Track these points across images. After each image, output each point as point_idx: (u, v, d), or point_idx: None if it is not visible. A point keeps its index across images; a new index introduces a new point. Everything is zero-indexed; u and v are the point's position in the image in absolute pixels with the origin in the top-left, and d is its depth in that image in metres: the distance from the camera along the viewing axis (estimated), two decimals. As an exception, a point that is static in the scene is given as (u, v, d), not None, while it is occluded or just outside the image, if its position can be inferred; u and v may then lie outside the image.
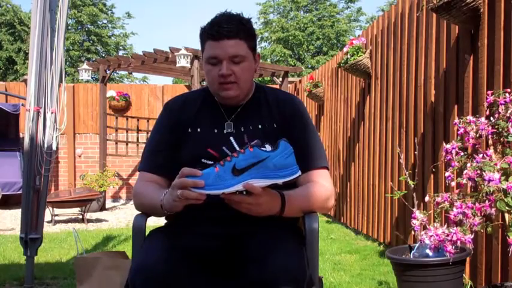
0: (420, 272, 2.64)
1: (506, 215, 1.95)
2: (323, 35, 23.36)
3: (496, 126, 2.02)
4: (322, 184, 1.73)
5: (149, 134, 1.91)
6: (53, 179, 9.36)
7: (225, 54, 1.68)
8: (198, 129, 1.78)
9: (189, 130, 1.78)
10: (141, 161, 1.85)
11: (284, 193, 1.63)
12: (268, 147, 1.52)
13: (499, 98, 2.04)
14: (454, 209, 1.90)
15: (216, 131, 1.76)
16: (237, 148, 1.69)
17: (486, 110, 2.17)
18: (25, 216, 3.45)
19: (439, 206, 2.01)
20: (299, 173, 1.56)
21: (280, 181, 1.53)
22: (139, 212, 1.80)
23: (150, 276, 1.46)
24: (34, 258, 3.48)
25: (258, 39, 23.92)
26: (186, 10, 47.58)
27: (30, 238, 3.41)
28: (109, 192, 9.28)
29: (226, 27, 1.67)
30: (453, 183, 2.19)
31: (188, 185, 1.49)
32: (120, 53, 23.51)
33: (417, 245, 2.78)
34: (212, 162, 1.61)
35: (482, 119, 2.07)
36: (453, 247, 1.93)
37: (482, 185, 1.85)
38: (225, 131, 1.76)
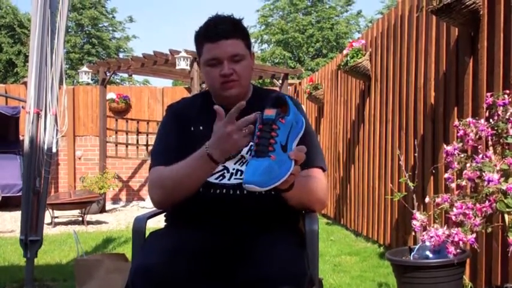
0: (420, 273, 2.64)
1: (506, 216, 1.96)
2: (322, 37, 23.38)
3: (496, 128, 2.03)
4: (320, 179, 1.73)
5: (156, 136, 1.90)
6: (53, 181, 9.35)
7: (225, 54, 1.70)
8: (201, 127, 1.79)
9: (192, 128, 1.79)
10: (151, 159, 1.81)
11: None
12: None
13: (498, 99, 2.05)
14: (454, 209, 1.90)
15: None
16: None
17: (486, 112, 2.18)
18: (25, 218, 3.44)
19: (439, 207, 2.02)
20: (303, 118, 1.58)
21: (302, 132, 1.54)
22: (140, 214, 1.80)
23: (150, 278, 1.47)
24: (34, 260, 3.47)
25: (258, 41, 24.02)
26: (187, 12, 47.66)
27: (30, 240, 3.41)
28: (109, 194, 9.27)
29: (222, 28, 1.70)
30: (453, 185, 2.19)
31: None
32: (121, 55, 23.51)
33: (417, 246, 2.78)
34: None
35: (482, 121, 2.08)
36: (455, 248, 1.93)
37: (482, 186, 1.86)
38: None
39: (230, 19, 1.75)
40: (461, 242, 1.91)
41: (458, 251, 1.96)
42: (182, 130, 1.79)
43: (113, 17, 24.58)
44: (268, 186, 1.40)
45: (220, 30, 1.70)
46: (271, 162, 1.41)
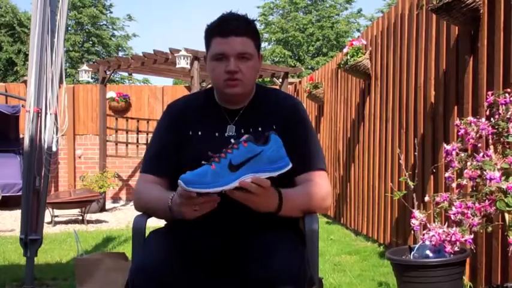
0: (420, 272, 2.64)
1: (506, 215, 1.95)
2: (323, 36, 23.36)
3: (497, 127, 2.03)
4: (320, 184, 1.73)
5: (151, 136, 1.91)
6: (53, 180, 9.34)
7: (233, 51, 1.69)
8: (199, 132, 1.77)
9: (190, 133, 1.78)
10: (143, 162, 1.84)
11: (281, 190, 1.62)
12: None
13: (499, 98, 2.05)
14: (453, 208, 1.90)
15: (217, 134, 1.76)
16: None
17: (486, 111, 2.18)
18: (25, 217, 3.44)
19: (439, 206, 2.01)
20: (290, 165, 1.57)
21: (275, 174, 1.55)
22: (140, 213, 1.80)
23: (150, 277, 1.47)
24: (34, 259, 3.47)
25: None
26: (187, 12, 47.66)
27: (30, 239, 3.40)
28: (109, 193, 9.27)
29: (234, 24, 1.70)
30: (454, 184, 2.19)
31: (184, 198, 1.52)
32: (120, 54, 23.48)
33: (417, 245, 2.78)
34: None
35: (483, 120, 2.08)
36: (452, 247, 1.93)
37: (483, 184, 1.86)
38: (226, 134, 1.75)
39: (243, 18, 1.74)
40: (458, 243, 1.91)
41: (456, 249, 1.96)
42: (179, 133, 1.78)
43: (110, 12, 24.54)
44: (191, 187, 1.46)
45: (232, 26, 1.70)
46: (209, 169, 1.48)
